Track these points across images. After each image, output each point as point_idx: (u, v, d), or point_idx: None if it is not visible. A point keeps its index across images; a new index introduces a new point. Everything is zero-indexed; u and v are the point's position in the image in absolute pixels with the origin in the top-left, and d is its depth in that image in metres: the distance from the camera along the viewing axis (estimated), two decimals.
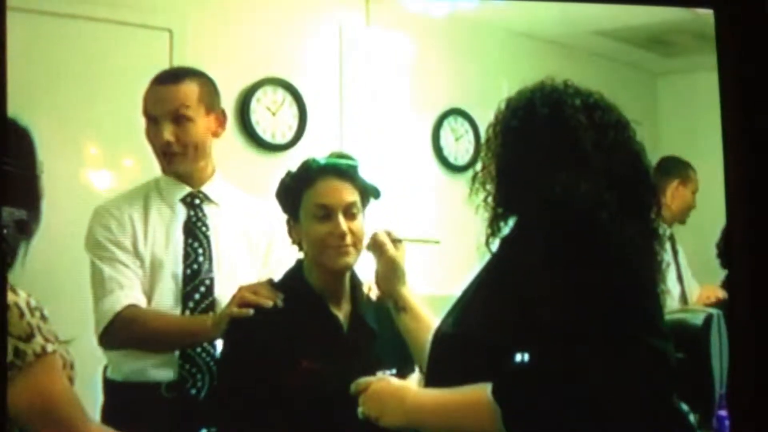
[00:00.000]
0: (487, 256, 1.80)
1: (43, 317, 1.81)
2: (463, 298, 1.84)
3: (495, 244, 1.80)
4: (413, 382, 1.87)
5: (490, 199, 1.79)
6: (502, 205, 1.79)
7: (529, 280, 1.66)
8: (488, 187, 1.80)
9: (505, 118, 1.80)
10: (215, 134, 2.58)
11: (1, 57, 1.86)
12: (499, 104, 1.83)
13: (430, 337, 1.92)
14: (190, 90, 2.52)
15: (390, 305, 2.22)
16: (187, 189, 2.56)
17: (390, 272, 2.23)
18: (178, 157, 2.52)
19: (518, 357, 1.64)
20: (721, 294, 3.54)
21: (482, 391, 1.65)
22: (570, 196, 1.67)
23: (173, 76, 2.56)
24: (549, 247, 1.67)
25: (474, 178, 1.82)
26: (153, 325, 2.45)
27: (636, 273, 1.70)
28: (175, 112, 2.49)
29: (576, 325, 1.61)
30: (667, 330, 1.77)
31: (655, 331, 1.71)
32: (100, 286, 2.45)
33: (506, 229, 1.79)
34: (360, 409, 1.83)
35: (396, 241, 2.26)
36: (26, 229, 1.89)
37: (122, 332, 2.42)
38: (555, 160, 1.72)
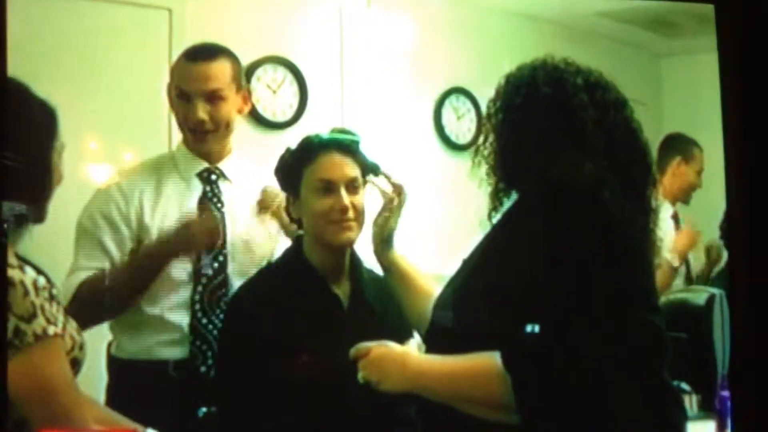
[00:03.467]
0: (488, 229, 1.80)
1: (51, 298, 1.79)
2: (464, 270, 1.84)
3: (496, 218, 1.80)
4: (413, 347, 1.87)
5: (491, 174, 1.80)
6: (503, 180, 1.81)
7: (531, 255, 1.68)
8: (490, 161, 1.80)
9: (508, 94, 1.81)
10: (240, 111, 2.58)
11: (2, 41, 1.85)
12: (499, 80, 1.83)
13: (422, 298, 2.00)
14: (224, 68, 2.52)
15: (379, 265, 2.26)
16: (204, 164, 2.55)
17: (378, 238, 2.26)
18: (210, 135, 2.52)
19: (528, 327, 1.65)
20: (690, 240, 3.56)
21: (491, 359, 1.67)
22: (574, 176, 1.69)
23: (208, 54, 2.54)
24: (551, 225, 1.68)
25: (476, 151, 1.82)
26: (106, 285, 2.41)
27: (635, 251, 1.72)
28: (210, 91, 2.48)
29: (576, 298, 1.64)
30: (658, 304, 1.80)
31: (650, 307, 1.74)
32: (73, 261, 2.45)
33: (508, 204, 1.79)
34: (360, 374, 1.84)
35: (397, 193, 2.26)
36: (26, 223, 1.88)
37: (83, 308, 2.35)
38: (558, 139, 1.74)
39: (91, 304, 2.39)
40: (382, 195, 2.29)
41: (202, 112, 2.48)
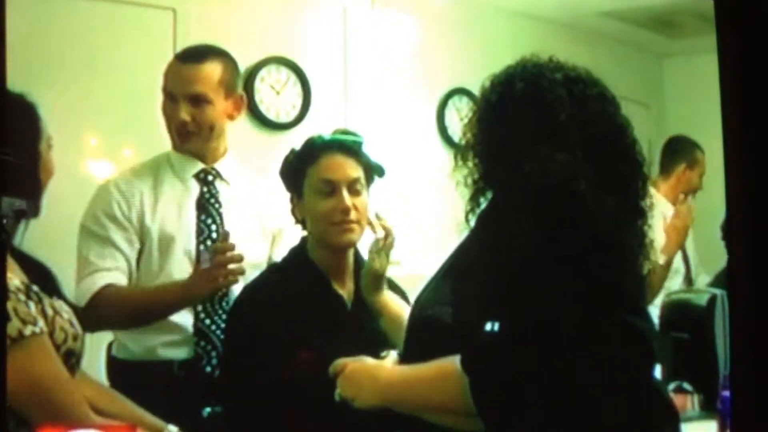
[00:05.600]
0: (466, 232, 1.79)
1: (28, 297, 1.78)
2: (437, 275, 1.82)
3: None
4: (391, 361, 1.85)
5: (471, 175, 1.78)
6: (482, 180, 1.77)
7: (500, 251, 1.64)
8: (469, 163, 1.79)
9: (486, 93, 1.79)
10: (231, 117, 2.57)
11: (1, 39, 1.84)
12: (483, 81, 1.80)
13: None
14: (212, 71, 2.50)
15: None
16: (200, 165, 2.55)
17: (369, 281, 2.26)
18: (193, 137, 2.51)
19: (488, 327, 1.60)
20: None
21: (451, 362, 1.62)
22: (545, 167, 1.65)
23: (196, 56, 2.52)
24: (522, 218, 1.64)
25: (456, 154, 1.80)
26: (127, 302, 2.43)
27: (614, 247, 1.65)
28: (193, 94, 2.47)
29: (546, 296, 1.58)
30: (644, 307, 1.75)
31: (633, 309, 1.67)
32: (82, 265, 2.44)
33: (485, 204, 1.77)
34: (337, 391, 1.81)
35: (385, 236, 2.27)
36: (25, 218, 1.88)
37: (99, 313, 2.39)
38: (532, 134, 1.70)
39: (105, 313, 2.40)
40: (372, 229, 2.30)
41: (184, 113, 2.47)
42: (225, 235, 2.34)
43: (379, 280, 2.26)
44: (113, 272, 2.43)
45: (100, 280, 2.41)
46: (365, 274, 2.27)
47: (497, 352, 1.60)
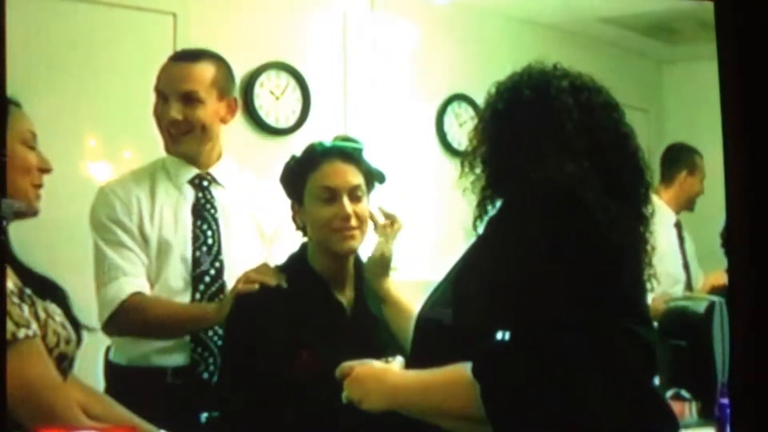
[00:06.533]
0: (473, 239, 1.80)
1: (22, 300, 1.78)
2: (445, 280, 1.83)
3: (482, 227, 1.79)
4: (397, 366, 1.86)
5: (478, 182, 1.79)
6: (489, 188, 1.79)
7: (508, 258, 1.66)
8: (476, 170, 1.79)
9: (492, 100, 1.80)
10: (223, 120, 2.56)
11: (1, 41, 1.84)
12: (489, 88, 1.82)
13: (411, 324, 1.94)
14: (204, 71, 2.50)
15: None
16: (195, 170, 2.55)
17: (375, 265, 2.28)
18: (183, 137, 2.50)
19: (498, 335, 1.62)
20: (726, 281, 3.55)
21: (462, 369, 1.64)
22: (552, 175, 1.67)
23: (190, 56, 2.53)
24: (530, 226, 1.65)
25: (463, 161, 1.81)
26: (157, 312, 2.43)
27: (617, 254, 1.67)
28: (185, 91, 2.47)
29: (554, 303, 1.60)
30: (647, 314, 1.76)
31: (635, 315, 1.69)
32: (103, 271, 2.43)
33: (493, 212, 1.78)
34: (344, 394, 1.83)
35: (391, 223, 2.29)
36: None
37: (126, 321, 2.41)
38: (540, 142, 1.71)
39: (131, 321, 2.41)
40: (375, 225, 2.32)
41: (175, 111, 2.46)
42: None
43: (385, 265, 2.28)
44: (139, 278, 2.43)
45: (127, 286, 2.41)
46: (372, 260, 2.29)
47: (508, 360, 1.62)
